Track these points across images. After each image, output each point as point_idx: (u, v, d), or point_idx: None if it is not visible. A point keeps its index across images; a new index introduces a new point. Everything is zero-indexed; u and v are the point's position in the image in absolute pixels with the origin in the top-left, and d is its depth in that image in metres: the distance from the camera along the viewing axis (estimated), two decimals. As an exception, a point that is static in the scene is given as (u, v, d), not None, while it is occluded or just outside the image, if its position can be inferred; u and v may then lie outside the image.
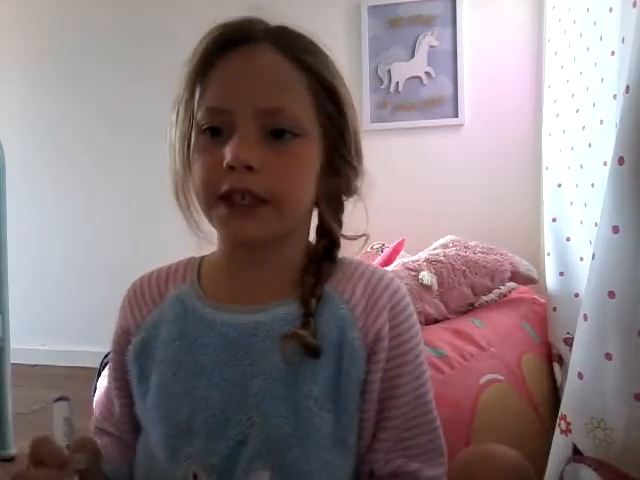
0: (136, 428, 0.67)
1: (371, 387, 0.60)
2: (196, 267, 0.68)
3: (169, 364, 0.61)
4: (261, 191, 0.56)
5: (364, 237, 0.68)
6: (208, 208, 0.59)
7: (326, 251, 0.64)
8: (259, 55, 0.59)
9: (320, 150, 0.61)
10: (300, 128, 0.58)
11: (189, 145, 0.60)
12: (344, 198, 0.67)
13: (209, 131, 0.57)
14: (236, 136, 0.55)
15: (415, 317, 0.64)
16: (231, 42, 0.59)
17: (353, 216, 0.69)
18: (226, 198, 0.56)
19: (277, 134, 0.57)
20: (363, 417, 0.60)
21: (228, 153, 0.55)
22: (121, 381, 0.68)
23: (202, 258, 0.70)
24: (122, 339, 0.67)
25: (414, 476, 0.60)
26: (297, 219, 0.62)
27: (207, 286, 0.65)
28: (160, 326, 0.64)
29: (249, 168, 0.55)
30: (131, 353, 0.65)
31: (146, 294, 0.68)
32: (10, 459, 1.70)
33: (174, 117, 0.61)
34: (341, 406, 0.58)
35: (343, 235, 0.66)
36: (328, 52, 0.66)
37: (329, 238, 0.65)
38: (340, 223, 0.66)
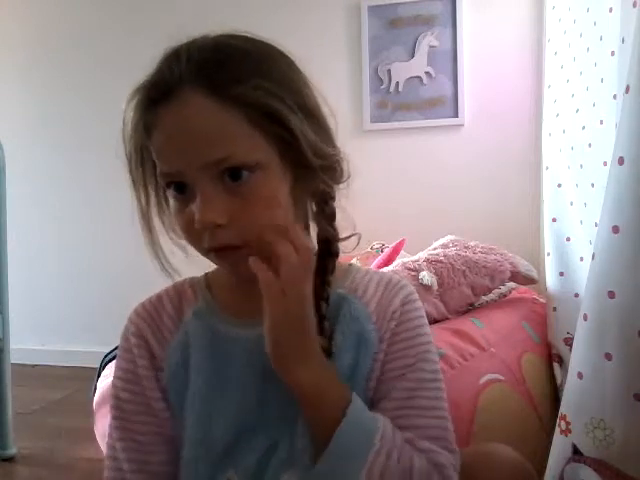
0: None
1: (372, 374, 0.63)
2: (204, 285, 0.68)
3: (204, 383, 0.62)
4: (237, 241, 0.56)
5: (356, 236, 0.67)
6: (201, 254, 0.61)
7: (325, 248, 0.65)
8: (187, 108, 0.54)
9: (284, 170, 0.58)
10: (254, 164, 0.55)
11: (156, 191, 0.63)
12: (329, 195, 0.65)
13: (174, 186, 0.57)
14: (198, 195, 0.55)
15: (425, 319, 0.66)
16: (157, 101, 0.55)
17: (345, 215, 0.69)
18: (211, 250, 0.58)
19: (234, 176, 0.55)
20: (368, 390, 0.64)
21: (196, 215, 0.54)
22: (139, 426, 0.64)
23: (206, 276, 0.69)
24: (148, 366, 0.65)
25: (409, 441, 0.59)
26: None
27: (223, 303, 0.66)
28: (190, 347, 0.64)
29: (218, 225, 0.55)
30: (168, 375, 0.64)
31: (164, 316, 0.66)
32: (10, 459, 1.70)
33: (130, 175, 0.62)
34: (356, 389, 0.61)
35: (339, 239, 0.66)
36: (268, 45, 0.61)
37: (324, 239, 0.65)
38: (331, 221, 0.65)
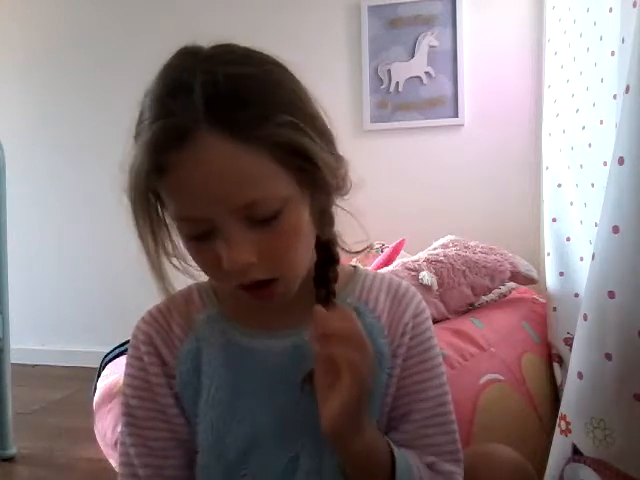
0: None
1: (388, 389, 0.63)
2: (211, 292, 0.67)
3: (217, 390, 0.62)
4: (268, 275, 0.55)
5: (366, 244, 0.68)
6: (225, 287, 0.62)
7: (326, 255, 0.63)
8: (206, 152, 0.49)
9: (303, 196, 0.55)
10: (281, 203, 0.52)
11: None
12: (332, 205, 0.63)
13: (194, 238, 0.54)
14: (224, 239, 0.52)
15: (432, 327, 0.67)
16: (169, 145, 0.50)
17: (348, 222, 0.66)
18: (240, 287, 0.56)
19: (263, 221, 0.53)
20: (380, 418, 0.64)
21: (224, 259, 0.52)
22: (154, 432, 0.64)
23: (210, 282, 0.67)
24: (159, 373, 0.64)
25: (430, 466, 0.62)
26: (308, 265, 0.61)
27: (231, 310, 0.65)
28: (201, 353, 0.64)
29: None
30: (179, 382, 0.64)
31: (172, 323, 0.65)
32: (10, 459, 1.70)
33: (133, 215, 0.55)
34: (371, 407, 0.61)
35: (345, 249, 0.65)
36: (271, 61, 0.57)
37: (325, 243, 0.63)
38: (330, 225, 0.63)
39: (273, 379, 0.61)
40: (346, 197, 0.63)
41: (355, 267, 0.70)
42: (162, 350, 0.64)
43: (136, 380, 0.65)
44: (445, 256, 1.44)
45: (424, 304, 0.67)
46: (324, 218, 0.61)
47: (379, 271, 0.71)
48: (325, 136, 0.57)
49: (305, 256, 0.58)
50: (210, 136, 0.49)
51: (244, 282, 0.54)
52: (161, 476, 0.63)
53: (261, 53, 0.57)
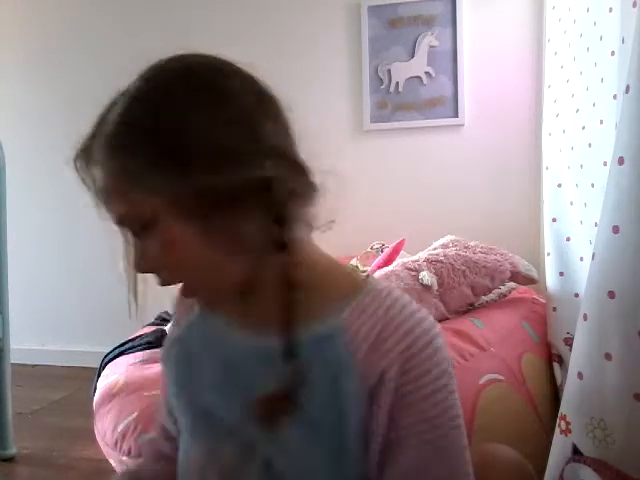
0: None
1: (375, 429, 0.55)
2: None
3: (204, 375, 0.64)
4: (175, 282, 0.58)
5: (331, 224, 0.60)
6: None
7: (280, 259, 0.55)
8: (97, 168, 0.56)
9: (191, 215, 0.53)
10: (149, 217, 0.54)
11: None
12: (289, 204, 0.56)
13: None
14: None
15: (439, 358, 0.55)
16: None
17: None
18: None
19: (141, 233, 0.56)
20: (367, 453, 0.57)
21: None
22: None
23: None
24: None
25: None
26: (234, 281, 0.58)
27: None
28: (188, 341, 0.67)
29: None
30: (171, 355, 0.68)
31: (181, 308, 0.71)
32: (10, 459, 1.70)
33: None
34: (341, 442, 0.56)
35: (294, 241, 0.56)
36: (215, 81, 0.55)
37: (278, 243, 0.55)
38: (283, 222, 0.55)
39: (227, 377, 0.62)
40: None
41: (368, 277, 0.60)
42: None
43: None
44: (445, 256, 1.44)
45: (422, 330, 0.55)
46: (278, 213, 0.54)
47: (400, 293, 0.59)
48: (284, 158, 0.54)
49: (212, 272, 0.56)
50: (98, 154, 0.54)
51: (159, 284, 0.58)
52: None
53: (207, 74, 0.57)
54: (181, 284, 0.60)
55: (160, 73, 0.56)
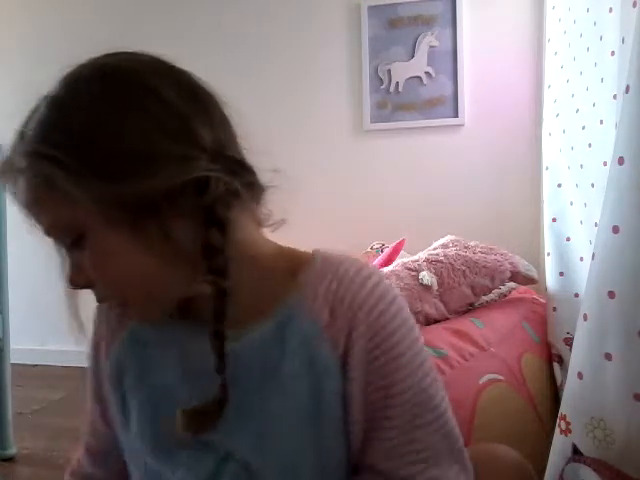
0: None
1: (352, 400, 0.55)
2: None
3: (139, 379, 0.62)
4: (108, 297, 0.58)
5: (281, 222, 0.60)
6: None
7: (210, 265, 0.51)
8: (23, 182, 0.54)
9: (123, 227, 0.51)
10: (77, 230, 0.52)
11: None
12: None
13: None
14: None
15: (404, 314, 0.56)
16: None
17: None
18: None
19: (72, 246, 0.55)
20: (348, 429, 0.57)
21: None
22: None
23: None
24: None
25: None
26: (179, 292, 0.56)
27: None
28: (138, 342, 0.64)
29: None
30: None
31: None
32: (10, 459, 1.70)
33: None
34: (322, 422, 0.56)
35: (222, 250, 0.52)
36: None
37: (207, 246, 0.51)
38: (217, 225, 0.52)
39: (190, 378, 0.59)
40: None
41: (314, 252, 0.60)
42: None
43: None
44: (445, 256, 1.44)
45: (382, 289, 0.55)
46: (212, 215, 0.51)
47: (347, 255, 0.59)
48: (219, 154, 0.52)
49: (150, 284, 0.53)
50: (19, 163, 0.52)
51: (97, 300, 0.57)
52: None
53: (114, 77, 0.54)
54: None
55: (78, 77, 0.54)
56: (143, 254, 0.51)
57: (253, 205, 0.57)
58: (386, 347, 0.54)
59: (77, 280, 0.55)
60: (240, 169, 0.53)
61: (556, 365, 1.35)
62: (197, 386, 0.55)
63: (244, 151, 0.57)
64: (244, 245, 0.56)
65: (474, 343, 1.22)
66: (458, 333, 1.25)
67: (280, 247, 0.61)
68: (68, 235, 0.52)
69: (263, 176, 0.57)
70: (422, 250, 1.54)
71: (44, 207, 0.52)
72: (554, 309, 1.43)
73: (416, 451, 0.56)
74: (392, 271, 1.40)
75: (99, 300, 0.57)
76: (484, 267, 1.44)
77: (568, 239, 1.42)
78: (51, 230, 0.53)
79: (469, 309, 1.47)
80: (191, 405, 0.53)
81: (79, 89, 0.52)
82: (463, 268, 1.42)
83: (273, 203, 0.58)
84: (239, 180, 0.52)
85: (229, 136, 0.56)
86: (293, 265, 0.58)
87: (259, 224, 0.59)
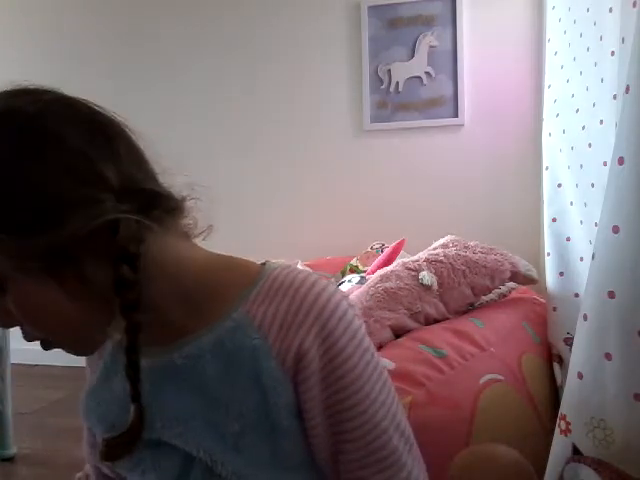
0: None
1: (307, 414, 0.55)
2: None
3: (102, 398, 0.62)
4: (37, 337, 0.55)
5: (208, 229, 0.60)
6: None
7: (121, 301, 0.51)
8: None
9: (41, 276, 0.50)
10: None
11: None
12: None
13: None
14: None
15: (354, 326, 0.55)
16: None
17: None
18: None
19: None
20: (311, 440, 0.56)
21: None
22: None
23: None
24: None
25: None
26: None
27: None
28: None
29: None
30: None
31: None
32: (10, 459, 1.70)
33: None
34: (278, 434, 0.55)
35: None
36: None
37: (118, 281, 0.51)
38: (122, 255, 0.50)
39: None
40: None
41: (264, 264, 0.59)
42: None
43: None
44: (445, 256, 1.44)
45: (334, 303, 0.54)
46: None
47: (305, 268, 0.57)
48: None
49: (76, 325, 0.53)
50: None
51: (24, 339, 0.55)
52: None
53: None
54: None
55: None
56: (64, 299, 0.51)
57: (176, 222, 0.56)
58: (339, 362, 0.54)
59: (4, 322, 0.53)
60: (152, 199, 0.53)
61: (556, 365, 1.35)
62: (128, 411, 0.55)
63: (161, 171, 0.56)
64: (166, 264, 0.55)
65: (474, 343, 1.22)
66: (458, 333, 1.25)
67: (222, 258, 0.60)
68: None
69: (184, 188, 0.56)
70: (422, 250, 1.54)
71: None
72: (554, 309, 1.43)
73: (383, 458, 0.56)
74: (392, 271, 1.40)
75: (28, 340, 0.56)
76: (484, 267, 1.44)
77: (568, 239, 1.42)
78: None
79: (469, 309, 1.47)
80: (112, 433, 0.53)
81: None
82: (463, 268, 1.42)
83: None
84: (153, 211, 0.52)
85: (138, 166, 0.55)
86: (240, 277, 0.57)
87: (186, 237, 0.58)
